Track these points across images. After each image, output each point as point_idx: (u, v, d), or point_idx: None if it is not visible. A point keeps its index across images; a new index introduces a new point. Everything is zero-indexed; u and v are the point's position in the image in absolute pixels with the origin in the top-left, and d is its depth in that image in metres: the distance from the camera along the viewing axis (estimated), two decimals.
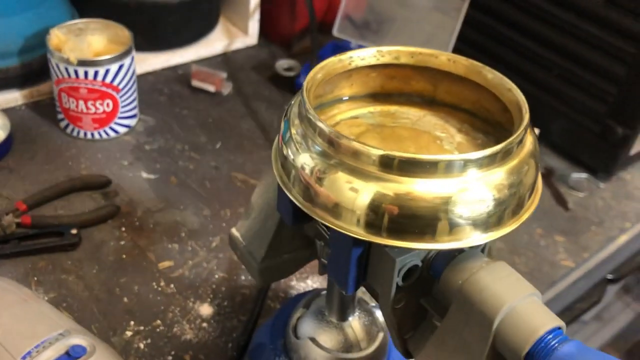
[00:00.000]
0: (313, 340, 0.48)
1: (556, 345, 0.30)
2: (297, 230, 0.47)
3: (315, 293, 0.52)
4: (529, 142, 0.36)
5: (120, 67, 0.74)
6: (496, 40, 0.90)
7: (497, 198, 0.33)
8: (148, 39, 0.90)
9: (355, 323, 0.49)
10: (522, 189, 0.35)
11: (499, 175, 0.34)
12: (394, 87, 0.43)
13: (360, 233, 0.34)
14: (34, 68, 0.80)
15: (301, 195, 0.36)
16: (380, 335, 0.50)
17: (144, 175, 0.75)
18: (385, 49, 0.41)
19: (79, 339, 0.47)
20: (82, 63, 0.72)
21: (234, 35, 0.99)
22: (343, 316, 0.49)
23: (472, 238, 0.33)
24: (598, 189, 0.83)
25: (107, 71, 0.73)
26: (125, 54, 0.75)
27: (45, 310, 0.51)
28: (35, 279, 0.61)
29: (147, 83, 0.89)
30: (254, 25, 0.99)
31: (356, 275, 0.36)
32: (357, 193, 0.34)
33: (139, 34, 0.87)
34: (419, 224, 0.33)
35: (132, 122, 0.81)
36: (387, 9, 0.95)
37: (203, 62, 0.95)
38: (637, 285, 1.12)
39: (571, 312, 0.81)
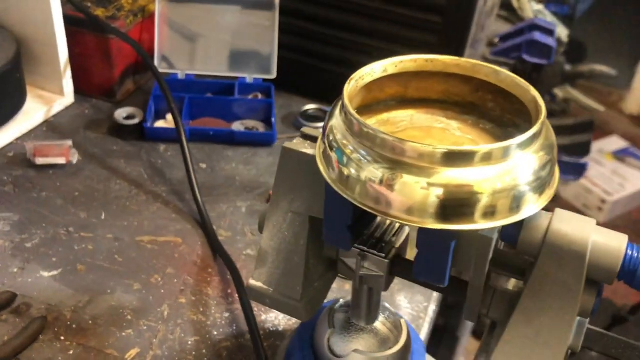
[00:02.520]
0: (357, 351, 0.50)
1: (637, 255, 0.37)
2: (321, 256, 0.48)
3: (329, 310, 0.54)
4: (548, 126, 0.42)
5: None
6: (314, 38, 0.97)
7: (544, 165, 0.39)
8: None
9: (382, 320, 0.53)
10: (554, 153, 0.41)
11: (541, 145, 0.39)
12: (372, 97, 0.47)
13: (444, 225, 0.38)
14: None
15: (373, 202, 0.38)
16: (403, 322, 0.54)
17: (45, 274, 0.66)
18: (375, 65, 0.44)
19: None
20: None
21: (49, 100, 0.90)
22: (371, 319, 0.52)
23: (538, 202, 0.39)
24: None
25: None
26: None
27: None
28: None
29: None
30: (68, 85, 0.91)
31: (450, 266, 0.40)
32: (428, 191, 0.37)
33: None
34: (494, 205, 0.38)
35: None
36: (203, 34, 0.95)
37: (28, 137, 0.85)
38: None
39: None
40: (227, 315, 0.64)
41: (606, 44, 2.67)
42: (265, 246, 0.48)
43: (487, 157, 0.37)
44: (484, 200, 0.37)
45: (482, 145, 0.37)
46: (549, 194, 0.40)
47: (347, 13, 0.93)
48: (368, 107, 0.47)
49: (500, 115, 0.46)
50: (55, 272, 0.67)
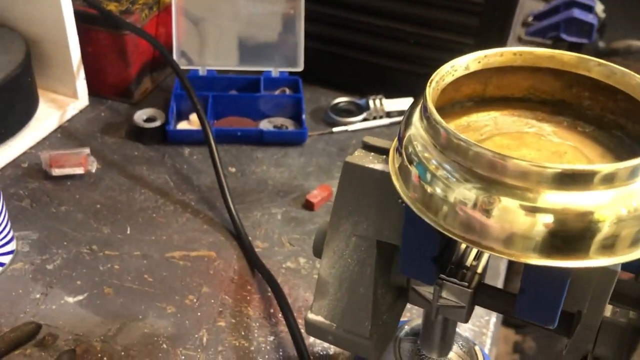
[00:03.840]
0: None
1: None
2: (389, 285, 0.42)
3: (395, 341, 0.48)
4: None
5: None
6: (344, 27, 0.90)
7: None
8: None
9: (456, 350, 0.47)
10: None
11: None
12: (447, 98, 0.40)
13: (553, 261, 0.31)
14: None
15: (462, 232, 0.32)
16: (477, 349, 0.48)
17: (70, 300, 0.61)
18: (456, 62, 0.38)
19: None
20: None
21: (63, 104, 0.84)
22: (446, 350, 0.46)
23: None
24: None
25: None
26: None
27: None
28: None
29: None
30: (82, 86, 0.85)
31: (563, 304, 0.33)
32: (534, 217, 0.31)
33: None
34: (615, 236, 0.31)
35: (11, 246, 0.64)
36: (225, 28, 0.88)
37: (43, 145, 0.79)
38: None
39: None
40: (271, 339, 0.58)
41: None
42: (324, 275, 0.42)
43: (610, 179, 0.30)
44: (604, 231, 0.31)
45: (604, 165, 0.31)
46: None
47: None
48: (442, 110, 0.40)
49: (599, 115, 0.39)
50: (80, 297, 0.61)
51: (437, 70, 0.37)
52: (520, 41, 1.13)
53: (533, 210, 0.31)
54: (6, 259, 0.63)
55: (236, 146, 0.82)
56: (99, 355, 0.56)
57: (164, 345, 0.57)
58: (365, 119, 0.88)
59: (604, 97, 0.39)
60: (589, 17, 1.10)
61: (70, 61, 0.81)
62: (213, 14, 0.88)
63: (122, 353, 0.56)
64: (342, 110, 0.89)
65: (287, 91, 0.88)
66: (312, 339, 0.58)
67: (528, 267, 0.33)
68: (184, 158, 0.80)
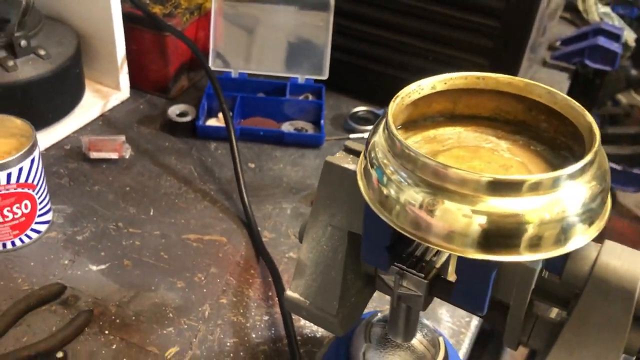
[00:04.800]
0: None
1: None
2: (359, 272, 0.48)
3: (366, 323, 0.53)
4: (600, 150, 0.40)
5: (32, 161, 0.66)
6: (368, 40, 0.96)
7: (594, 195, 0.37)
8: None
9: (419, 337, 0.52)
10: (607, 182, 0.39)
11: (593, 174, 0.37)
12: (419, 113, 0.46)
13: (469, 252, 0.36)
14: None
15: (410, 227, 0.37)
16: (441, 340, 0.53)
17: (94, 267, 0.68)
18: (423, 82, 0.43)
19: None
20: None
21: (106, 94, 0.93)
22: (409, 336, 0.51)
23: (587, 234, 0.37)
24: None
25: (20, 170, 0.65)
26: (33, 145, 0.67)
27: None
28: None
29: None
30: (124, 80, 0.93)
31: (490, 295, 0.39)
32: (470, 219, 0.36)
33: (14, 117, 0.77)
34: (544, 236, 0.36)
35: (49, 216, 0.72)
36: (257, 34, 0.96)
37: (86, 130, 0.88)
38: None
39: None
40: (266, 318, 0.65)
41: None
42: (303, 258, 0.48)
43: (535, 187, 0.35)
44: (530, 231, 0.36)
45: (530, 175, 0.36)
46: (599, 225, 0.38)
47: (402, 15, 0.92)
48: (414, 123, 0.46)
49: (553, 137, 0.44)
50: (103, 266, 0.69)
51: (405, 88, 0.43)
52: (545, 64, 1.17)
53: (469, 212, 0.36)
54: (43, 228, 0.71)
55: (258, 144, 0.89)
56: (113, 317, 0.63)
57: (170, 315, 0.64)
58: None
59: (556, 120, 0.43)
60: (614, 46, 1.13)
61: (115, 56, 0.90)
62: (250, 22, 0.96)
63: (133, 318, 0.63)
64: (360, 119, 0.95)
65: (310, 97, 0.94)
66: (302, 321, 0.65)
67: (460, 260, 0.39)
68: (210, 152, 0.87)
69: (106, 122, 0.90)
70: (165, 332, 0.62)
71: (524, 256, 0.36)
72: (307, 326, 0.65)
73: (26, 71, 0.79)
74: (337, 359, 0.53)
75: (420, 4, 0.89)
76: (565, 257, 0.38)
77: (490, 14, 0.86)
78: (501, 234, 0.36)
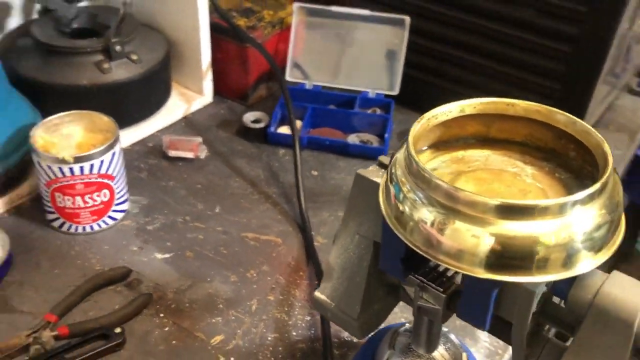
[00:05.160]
0: None
1: None
2: (382, 281, 0.50)
3: (393, 331, 0.56)
4: (614, 176, 0.41)
5: (113, 155, 0.74)
6: (440, 59, 0.97)
7: (602, 224, 0.38)
8: (114, 118, 0.89)
9: (441, 351, 0.54)
10: (619, 207, 0.40)
11: (602, 203, 0.38)
12: (452, 134, 0.48)
13: (476, 271, 0.38)
14: (12, 174, 0.77)
15: (423, 243, 0.39)
16: (465, 356, 0.54)
17: (159, 256, 0.75)
18: (451, 105, 0.46)
19: None
20: (78, 159, 0.71)
21: (191, 98, 1.00)
22: (431, 348, 0.53)
23: (593, 260, 0.38)
24: None
25: (101, 162, 0.72)
26: (115, 141, 0.74)
27: None
28: None
29: None
30: (208, 85, 1.00)
31: (493, 313, 0.40)
32: (478, 239, 0.38)
33: (104, 114, 0.86)
34: (550, 259, 0.37)
35: (126, 206, 0.80)
36: (333, 48, 1.00)
37: (168, 130, 0.96)
38: None
39: None
40: (308, 318, 0.68)
41: None
42: (332, 262, 0.51)
43: (543, 212, 0.37)
44: (536, 254, 0.37)
45: (537, 201, 0.37)
46: (607, 253, 0.39)
47: (476, 36, 0.93)
48: (446, 143, 0.48)
49: (580, 166, 0.45)
50: (167, 255, 0.75)
51: (432, 110, 0.45)
52: (630, 91, 1.13)
53: (478, 233, 0.38)
54: (119, 216, 0.79)
55: (324, 153, 0.93)
56: (169, 302, 0.69)
57: (221, 305, 0.69)
58: None
59: (583, 150, 0.44)
60: None
61: (200, 63, 0.97)
62: (328, 37, 1.00)
63: (187, 305, 0.69)
64: None
65: (378, 111, 0.97)
66: None
67: (465, 277, 0.40)
68: (278, 157, 0.92)
69: (188, 124, 0.98)
70: (213, 320, 0.67)
71: (528, 277, 0.38)
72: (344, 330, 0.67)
73: (119, 73, 0.87)
74: None
75: (495, 26, 0.90)
76: (571, 283, 0.39)
77: (565, 38, 0.85)
78: (508, 256, 0.38)
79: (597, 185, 0.37)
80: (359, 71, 1.00)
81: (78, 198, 0.73)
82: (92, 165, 0.72)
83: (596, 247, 0.38)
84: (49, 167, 0.71)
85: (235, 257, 0.75)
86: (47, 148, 0.72)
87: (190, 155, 0.89)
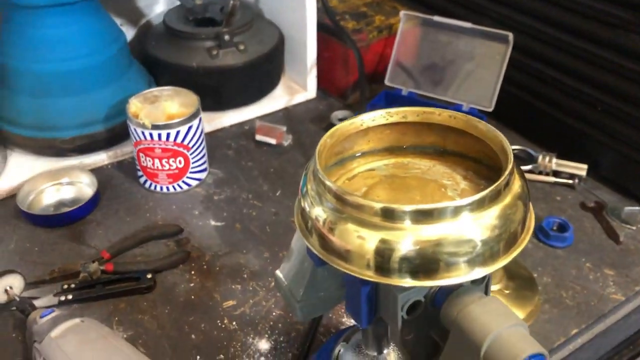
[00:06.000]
0: None
1: None
2: (334, 272, 0.53)
3: (355, 328, 0.57)
4: (517, 185, 0.40)
5: (189, 128, 0.84)
6: (540, 79, 0.93)
7: (487, 237, 0.37)
8: (217, 100, 1.01)
9: (391, 355, 0.54)
10: (511, 228, 0.39)
11: (489, 216, 0.38)
12: (408, 140, 0.49)
13: (367, 274, 0.39)
14: (117, 132, 0.91)
15: (318, 243, 0.42)
16: None
17: (212, 223, 0.84)
18: (393, 110, 0.47)
19: None
20: (155, 127, 0.82)
21: (295, 91, 1.08)
22: (379, 349, 0.54)
23: (467, 274, 0.38)
24: None
25: (177, 132, 0.83)
26: (193, 116, 0.84)
27: (121, 346, 0.59)
28: (116, 318, 0.70)
29: (216, 139, 0.99)
30: (311, 81, 1.07)
31: (368, 310, 0.41)
32: (363, 240, 0.39)
33: (209, 96, 0.97)
34: (418, 265, 0.38)
35: (202, 175, 0.90)
36: (434, 58, 1.00)
37: (267, 117, 1.04)
38: None
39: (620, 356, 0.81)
40: None
41: None
42: (292, 245, 0.55)
43: (416, 218, 0.37)
44: (412, 259, 0.38)
45: (419, 205, 0.38)
46: (486, 269, 0.38)
47: (580, 60, 0.87)
48: (403, 149, 0.49)
49: None
50: (219, 224, 0.83)
51: (362, 115, 0.46)
52: None
53: (364, 234, 0.39)
54: (193, 183, 0.89)
55: None
56: (203, 264, 0.77)
57: (245, 275, 0.76)
58: (530, 171, 0.90)
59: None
60: None
61: (305, 60, 1.04)
62: (430, 46, 1.01)
63: (217, 268, 0.77)
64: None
65: None
66: (344, 317, 0.70)
67: (345, 275, 0.42)
68: None
69: (286, 115, 1.05)
70: (233, 287, 0.74)
71: (406, 281, 0.38)
72: (347, 322, 0.70)
73: (225, 60, 0.98)
74: (320, 355, 0.58)
75: (602, 53, 0.84)
76: (447, 295, 0.39)
77: None
78: (389, 259, 0.39)
79: (482, 194, 0.37)
80: (455, 83, 0.99)
81: (157, 160, 0.85)
82: (168, 134, 0.83)
83: (479, 259, 0.37)
84: (135, 130, 0.83)
85: (275, 237, 0.81)
86: (136, 114, 0.84)
87: (273, 141, 0.97)
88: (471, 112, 0.97)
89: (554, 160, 0.89)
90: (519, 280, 0.72)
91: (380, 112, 0.47)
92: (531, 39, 0.92)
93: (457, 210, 0.38)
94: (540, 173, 0.90)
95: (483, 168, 0.46)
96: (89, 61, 0.87)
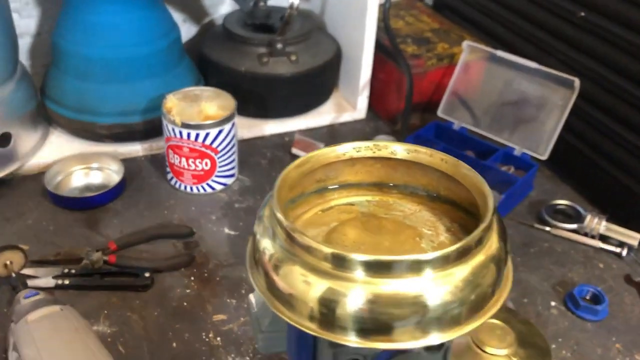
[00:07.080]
0: None
1: None
2: None
3: None
4: (494, 245, 0.35)
5: (220, 131, 0.82)
6: (601, 132, 0.85)
7: (448, 300, 0.33)
8: (261, 107, 0.99)
9: None
10: (478, 292, 0.34)
11: (453, 277, 0.33)
12: (399, 179, 0.44)
13: (308, 326, 0.35)
14: (154, 125, 0.91)
15: (263, 279, 0.38)
16: None
17: (226, 231, 0.81)
18: (381, 144, 0.42)
19: None
20: (185, 125, 0.81)
21: (344, 109, 1.04)
22: None
23: (421, 339, 0.33)
24: None
25: (207, 134, 0.82)
26: (226, 120, 0.82)
27: (89, 342, 0.57)
28: (105, 312, 0.69)
29: (253, 146, 0.97)
30: (362, 101, 1.03)
31: (305, 358, 0.37)
32: (309, 286, 0.35)
33: (252, 102, 0.95)
34: (366, 323, 0.33)
35: (229, 181, 0.88)
36: (493, 94, 0.94)
37: (310, 132, 1.01)
38: None
39: None
40: None
41: None
42: None
43: (378, 268, 0.33)
44: (359, 315, 0.33)
45: (374, 256, 0.33)
46: (445, 335, 0.33)
47: None
48: (393, 187, 0.45)
49: None
50: (232, 232, 0.81)
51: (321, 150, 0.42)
52: None
53: (310, 280, 0.35)
54: (217, 187, 0.87)
55: None
56: (204, 271, 0.75)
57: (243, 291, 0.73)
58: (575, 231, 0.82)
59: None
60: None
61: (358, 79, 1.01)
62: (491, 81, 0.95)
63: (218, 279, 0.74)
64: (558, 211, 0.86)
65: (513, 170, 0.89)
66: None
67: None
68: None
69: (330, 132, 1.02)
70: (228, 300, 0.71)
71: (348, 340, 0.34)
72: None
73: (274, 68, 0.96)
74: None
75: None
76: (392, 357, 0.34)
77: None
78: (333, 311, 0.35)
79: (443, 252, 0.32)
80: (510, 124, 0.92)
81: (183, 159, 0.84)
82: (197, 134, 0.81)
83: (436, 324, 0.33)
84: (167, 125, 0.83)
85: None
86: (170, 109, 0.84)
87: None
88: (523, 158, 0.90)
89: (604, 223, 0.81)
90: (532, 350, 0.65)
91: (367, 143, 0.43)
92: (596, 86, 0.85)
93: (416, 266, 0.33)
94: (585, 235, 0.82)
95: (472, 221, 0.41)
96: (136, 51, 0.88)
